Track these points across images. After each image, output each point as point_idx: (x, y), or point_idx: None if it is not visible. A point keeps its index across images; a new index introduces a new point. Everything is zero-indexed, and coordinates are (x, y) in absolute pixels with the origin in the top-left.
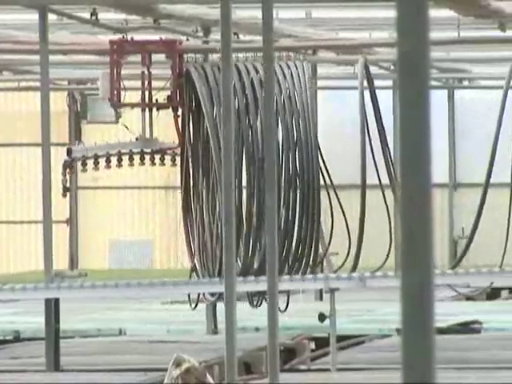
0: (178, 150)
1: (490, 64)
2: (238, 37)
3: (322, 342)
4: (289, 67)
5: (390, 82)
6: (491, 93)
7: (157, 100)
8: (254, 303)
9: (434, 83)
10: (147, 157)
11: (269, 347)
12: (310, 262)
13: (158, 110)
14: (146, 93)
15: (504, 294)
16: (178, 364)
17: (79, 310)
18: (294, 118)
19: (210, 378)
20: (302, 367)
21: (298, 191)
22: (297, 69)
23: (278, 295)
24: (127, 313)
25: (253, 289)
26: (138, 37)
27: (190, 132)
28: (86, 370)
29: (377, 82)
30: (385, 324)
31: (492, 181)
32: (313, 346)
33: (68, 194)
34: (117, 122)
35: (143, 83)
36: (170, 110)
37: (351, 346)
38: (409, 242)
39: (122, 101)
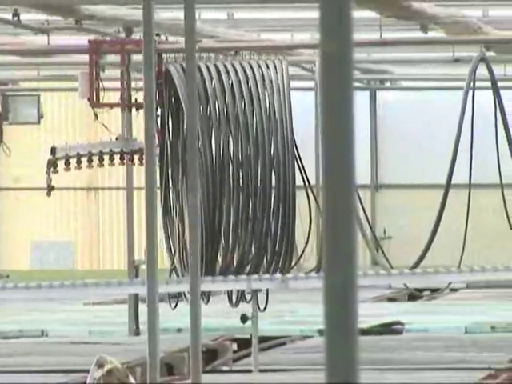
0: (157, 150)
1: (412, 65)
2: (159, 37)
3: (244, 343)
4: (267, 66)
5: (312, 84)
6: (413, 94)
7: (136, 100)
8: (234, 302)
9: (356, 84)
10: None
11: (191, 348)
12: (286, 262)
13: (137, 109)
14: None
15: (426, 294)
16: (100, 365)
17: (1, 311)
18: (271, 117)
19: (132, 379)
20: (224, 368)
21: (274, 191)
22: (275, 68)
23: (199, 296)
24: (49, 314)
25: (232, 288)
26: (60, 38)
27: (169, 131)
28: (7, 371)
29: (299, 84)
30: (306, 325)
31: (418, 182)
32: (235, 347)
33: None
34: (38, 122)
35: (122, 83)
36: None
37: (273, 347)
38: (332, 243)
39: (100, 101)
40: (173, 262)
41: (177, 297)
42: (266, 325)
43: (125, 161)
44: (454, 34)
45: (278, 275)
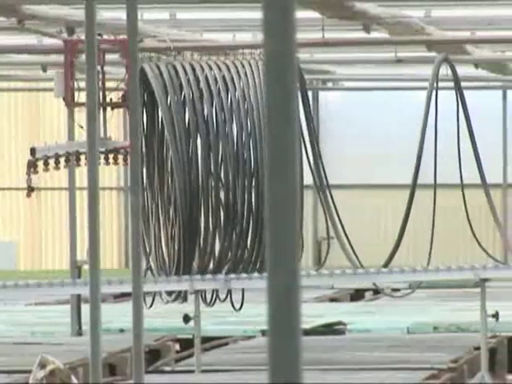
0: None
1: (355, 65)
2: (101, 37)
3: (186, 344)
4: (243, 66)
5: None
6: (356, 94)
7: (111, 99)
8: (208, 301)
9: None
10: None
11: (133, 349)
12: (264, 262)
13: (112, 109)
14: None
15: (368, 295)
16: (42, 365)
17: None
18: (249, 116)
19: (74, 380)
20: (167, 369)
21: (253, 190)
22: (251, 67)
23: (142, 296)
24: None
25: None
26: (1, 38)
27: (144, 130)
28: None
29: None
30: (249, 325)
31: (361, 182)
32: (177, 347)
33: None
34: None
35: (97, 83)
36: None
37: (216, 347)
38: (275, 244)
39: (76, 100)
40: (148, 262)
41: (153, 296)
42: (208, 325)
43: (100, 161)
44: (396, 34)
45: (220, 276)
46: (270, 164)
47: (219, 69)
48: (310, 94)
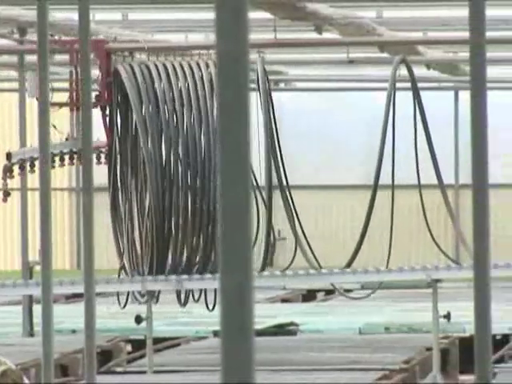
0: (106, 149)
1: (307, 66)
2: (53, 37)
3: (139, 344)
4: (215, 66)
5: None
6: (308, 95)
7: None
8: (182, 302)
9: (250, 85)
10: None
11: (85, 349)
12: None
13: None
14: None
15: (320, 295)
16: None
17: None
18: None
19: (26, 380)
20: (119, 369)
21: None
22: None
23: (94, 297)
24: None
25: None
26: None
27: (118, 130)
28: None
29: None
30: (201, 326)
31: (312, 183)
32: (129, 348)
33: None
34: None
35: (71, 83)
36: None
37: (168, 348)
38: (227, 244)
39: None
40: (121, 261)
41: (126, 296)
42: (160, 326)
43: (74, 161)
44: (348, 35)
45: (172, 276)
46: (223, 165)
47: (191, 69)
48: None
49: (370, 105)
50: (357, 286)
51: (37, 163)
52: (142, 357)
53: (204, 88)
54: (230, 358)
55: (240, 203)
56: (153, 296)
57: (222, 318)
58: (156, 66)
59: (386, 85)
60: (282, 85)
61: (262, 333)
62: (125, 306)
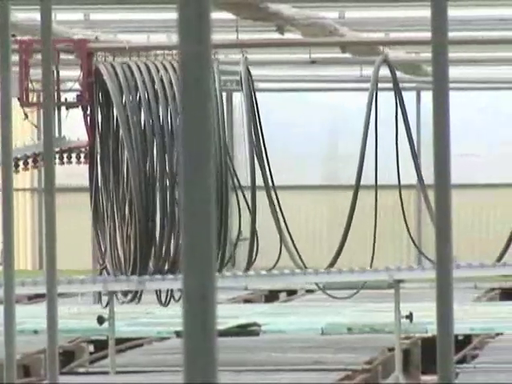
0: (87, 149)
1: (269, 67)
2: (15, 37)
3: (101, 345)
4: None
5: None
6: (270, 95)
7: (66, 99)
8: (163, 301)
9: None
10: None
11: (48, 350)
12: (218, 261)
13: (67, 109)
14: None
15: (282, 296)
16: None
17: None
18: None
19: None
20: (81, 370)
21: None
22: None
23: (57, 298)
24: None
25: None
26: None
27: (99, 130)
28: None
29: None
30: (163, 326)
31: (279, 183)
32: (91, 348)
33: None
34: None
35: (52, 83)
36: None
37: (130, 348)
38: (190, 245)
39: (30, 100)
40: (103, 262)
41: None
42: (122, 326)
43: (56, 160)
44: (310, 35)
45: (133, 276)
46: (185, 166)
47: (173, 69)
48: (224, 95)
49: (332, 105)
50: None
51: (20, 163)
52: (104, 357)
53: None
54: (192, 359)
55: (202, 204)
56: (135, 296)
57: (184, 318)
58: (138, 65)
59: (348, 85)
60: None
61: (224, 333)
62: (106, 306)
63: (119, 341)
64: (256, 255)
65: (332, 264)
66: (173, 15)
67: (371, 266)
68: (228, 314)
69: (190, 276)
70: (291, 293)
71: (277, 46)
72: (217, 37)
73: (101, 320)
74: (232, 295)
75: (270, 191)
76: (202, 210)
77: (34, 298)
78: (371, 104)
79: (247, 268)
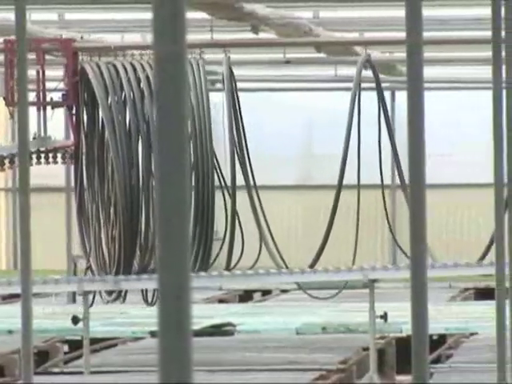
0: (73, 148)
1: (243, 66)
2: None
3: (75, 345)
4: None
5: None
6: (244, 95)
7: (51, 98)
8: (149, 301)
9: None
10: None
11: (22, 350)
12: (204, 261)
13: (52, 108)
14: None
15: (257, 296)
16: None
17: None
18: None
19: None
20: (56, 370)
21: (193, 191)
22: (192, 66)
23: (31, 298)
24: None
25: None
26: None
27: (85, 130)
28: None
29: None
30: (138, 326)
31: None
32: (66, 348)
33: None
34: None
35: (38, 82)
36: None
37: (105, 348)
38: (165, 245)
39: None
40: (88, 261)
41: (93, 295)
42: (97, 326)
43: (41, 160)
44: (285, 35)
45: (108, 276)
46: (160, 166)
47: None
48: None
49: (307, 105)
50: (294, 287)
51: (6, 162)
52: (78, 357)
53: None
54: (167, 358)
55: (177, 203)
56: (119, 295)
57: (159, 318)
58: (123, 65)
59: (323, 85)
60: (218, 85)
61: (199, 333)
62: (91, 305)
63: (94, 341)
64: (241, 255)
65: (313, 264)
66: (147, 15)
67: (353, 266)
68: (203, 314)
69: (165, 276)
70: (266, 293)
71: (251, 46)
72: (191, 37)
73: (75, 320)
74: (207, 295)
75: (251, 191)
76: (177, 210)
77: (8, 298)
78: (354, 104)
79: (227, 268)
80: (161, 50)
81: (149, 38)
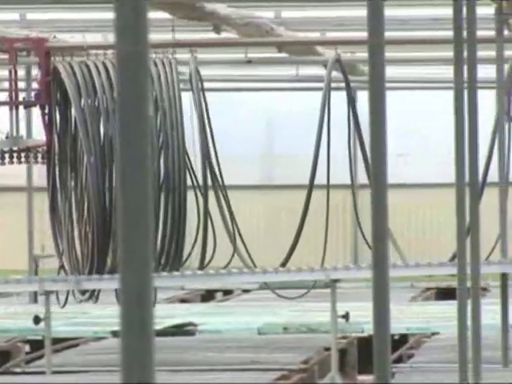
0: (45, 148)
1: (205, 66)
2: None
3: (37, 345)
4: (156, 64)
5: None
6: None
7: (24, 98)
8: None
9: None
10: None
11: None
12: (175, 261)
13: (25, 108)
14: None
15: (219, 296)
16: None
17: None
18: (161, 117)
19: None
20: (17, 370)
21: (163, 191)
22: (164, 66)
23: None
24: None
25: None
26: None
27: (57, 129)
28: None
29: None
30: (99, 326)
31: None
32: (27, 348)
33: None
34: None
35: (11, 82)
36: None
37: (66, 348)
38: (127, 244)
39: None
40: (61, 260)
41: (66, 295)
42: (59, 326)
43: (14, 159)
44: (246, 35)
45: (70, 276)
46: (122, 165)
47: None
48: None
49: (268, 105)
50: (255, 287)
51: None
52: (40, 357)
53: (152, 85)
54: (129, 358)
55: (139, 203)
56: (92, 295)
57: (121, 317)
58: (96, 64)
59: (284, 85)
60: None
61: (160, 333)
62: (64, 305)
63: (55, 341)
64: (213, 254)
65: (284, 264)
66: (109, 15)
67: (322, 266)
68: (164, 314)
69: (127, 276)
70: (227, 292)
71: (213, 46)
72: (153, 36)
73: (37, 320)
74: (168, 295)
75: (219, 191)
76: (139, 210)
77: None
78: (325, 104)
79: (201, 267)
80: (123, 49)
81: (110, 38)
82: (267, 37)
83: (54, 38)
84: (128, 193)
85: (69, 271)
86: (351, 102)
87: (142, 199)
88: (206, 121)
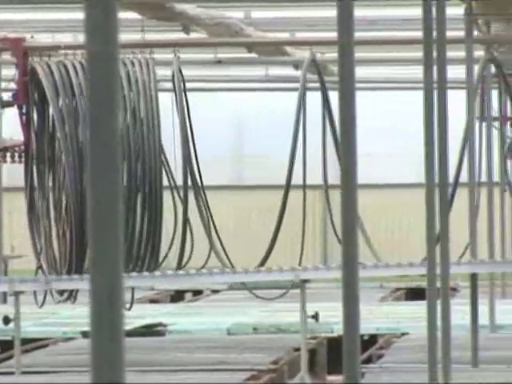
0: (23, 147)
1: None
2: None
3: (6, 345)
4: (133, 64)
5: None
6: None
7: (1, 98)
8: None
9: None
10: None
11: None
12: (152, 262)
13: (3, 107)
14: None
15: (188, 296)
16: None
17: None
18: (137, 116)
19: None
20: None
21: (140, 192)
22: (141, 67)
23: None
24: None
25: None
26: None
27: (35, 129)
28: None
29: None
30: (69, 327)
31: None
32: None
33: None
34: None
35: None
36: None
37: (36, 349)
38: (97, 245)
39: None
40: (38, 260)
41: (44, 295)
42: (28, 326)
43: None
44: (216, 35)
45: (40, 276)
46: (92, 166)
47: None
48: None
49: (238, 105)
50: (224, 287)
51: None
52: (9, 358)
53: (122, 85)
54: (99, 359)
55: (109, 203)
56: (71, 295)
57: (91, 318)
58: (73, 64)
59: (254, 85)
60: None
61: (130, 333)
62: (42, 305)
63: (25, 341)
64: (191, 255)
65: (262, 263)
66: (79, 15)
67: (300, 265)
68: (134, 314)
69: (97, 276)
70: (197, 293)
71: (182, 46)
72: (122, 36)
73: (6, 320)
74: (138, 295)
75: (198, 191)
76: (109, 210)
77: None
78: (300, 105)
79: (178, 267)
80: (93, 49)
81: (81, 38)
82: (237, 37)
83: (32, 37)
84: (98, 193)
85: (46, 271)
86: (327, 102)
87: (112, 199)
88: (187, 121)
